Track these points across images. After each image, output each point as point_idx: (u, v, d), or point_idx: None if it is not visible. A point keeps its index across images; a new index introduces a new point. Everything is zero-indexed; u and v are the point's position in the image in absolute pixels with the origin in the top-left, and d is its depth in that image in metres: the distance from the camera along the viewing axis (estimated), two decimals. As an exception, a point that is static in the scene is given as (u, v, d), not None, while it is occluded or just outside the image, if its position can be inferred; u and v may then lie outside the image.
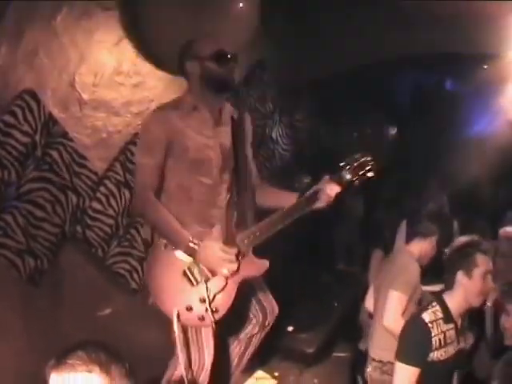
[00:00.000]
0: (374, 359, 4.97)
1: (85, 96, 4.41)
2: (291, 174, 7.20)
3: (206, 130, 3.92)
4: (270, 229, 3.88)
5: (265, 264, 3.91)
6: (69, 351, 2.20)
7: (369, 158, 4.04)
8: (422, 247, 5.11)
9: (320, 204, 3.97)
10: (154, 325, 3.91)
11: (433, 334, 3.68)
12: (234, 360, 4.44)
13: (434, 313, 3.76)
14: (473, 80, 8.32)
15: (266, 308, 4.32)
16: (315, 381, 5.88)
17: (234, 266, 3.76)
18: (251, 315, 4.30)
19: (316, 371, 6.05)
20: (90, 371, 2.17)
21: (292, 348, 6.25)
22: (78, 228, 4.58)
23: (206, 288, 3.75)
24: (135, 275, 5.05)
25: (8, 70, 3.95)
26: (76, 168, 4.49)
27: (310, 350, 6.20)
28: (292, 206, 3.93)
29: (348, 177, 3.99)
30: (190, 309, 3.73)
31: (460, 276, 3.77)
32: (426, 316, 3.74)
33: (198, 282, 3.75)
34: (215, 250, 3.72)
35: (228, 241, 3.83)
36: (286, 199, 4.06)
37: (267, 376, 5.74)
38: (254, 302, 4.26)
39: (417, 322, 3.83)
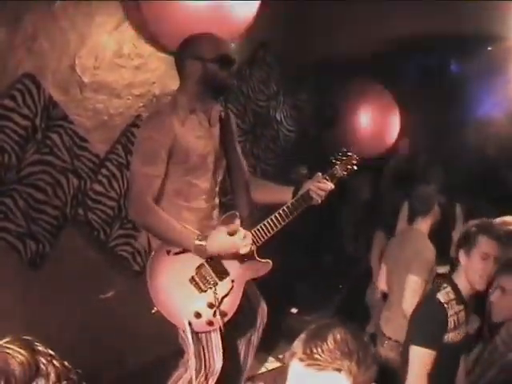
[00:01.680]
0: (390, 338, 4.94)
1: (85, 79, 4.46)
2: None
3: (202, 132, 3.93)
4: (270, 230, 3.94)
5: (268, 264, 3.96)
6: (319, 339, 2.03)
7: (353, 152, 4.26)
8: (427, 223, 5.16)
9: (315, 201, 4.09)
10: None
11: (449, 315, 3.71)
12: (241, 361, 4.49)
13: (447, 294, 3.78)
14: (477, 62, 8.30)
15: (258, 311, 4.39)
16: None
17: (249, 242, 3.79)
18: (246, 320, 4.36)
19: (321, 354, 6.12)
20: (339, 370, 1.99)
21: (297, 330, 6.31)
22: (80, 210, 4.64)
23: (215, 292, 3.81)
24: (138, 257, 5.12)
25: (7, 55, 4.00)
26: (77, 150, 4.53)
27: (314, 333, 6.28)
28: (289, 206, 4.00)
29: (339, 172, 4.18)
30: (198, 315, 3.78)
31: (461, 255, 3.80)
32: (441, 296, 3.76)
33: (207, 286, 3.80)
34: (223, 236, 3.74)
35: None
36: (282, 194, 4.15)
37: (272, 359, 5.86)
38: (247, 303, 4.28)
39: (432, 303, 3.81)
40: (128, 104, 4.86)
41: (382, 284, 5.59)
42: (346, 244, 8.19)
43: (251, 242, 3.81)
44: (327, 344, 2.00)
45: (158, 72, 5.04)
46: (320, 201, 4.09)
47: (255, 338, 4.45)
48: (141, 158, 3.76)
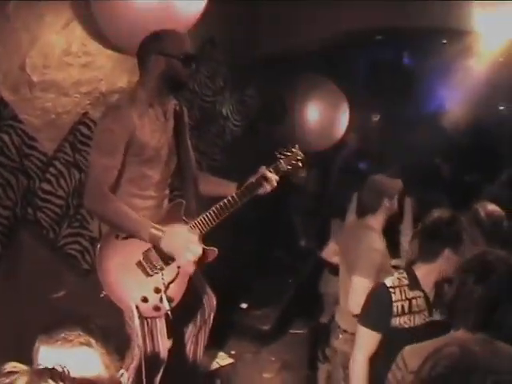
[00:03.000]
0: (346, 331, 4.90)
1: (35, 78, 4.47)
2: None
3: (158, 125, 4.05)
4: (217, 217, 4.06)
5: (214, 251, 4.07)
6: (60, 323, 2.14)
7: (298, 149, 4.43)
8: (378, 219, 5.07)
9: (262, 191, 4.25)
10: (109, 305, 3.99)
11: (394, 299, 3.78)
12: (190, 355, 4.60)
13: (398, 279, 3.87)
14: (431, 55, 8.43)
15: (203, 302, 4.51)
16: (272, 358, 6.04)
17: (199, 251, 3.89)
18: (194, 308, 4.48)
19: (273, 349, 6.24)
20: (87, 344, 2.11)
21: (248, 325, 6.44)
22: (30, 210, 4.64)
23: (162, 277, 3.91)
24: (87, 256, 5.12)
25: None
26: (26, 150, 4.53)
27: (266, 327, 6.41)
28: (234, 196, 4.14)
29: (283, 166, 4.34)
30: (145, 300, 3.87)
31: (447, 252, 3.85)
32: (389, 281, 3.86)
33: (154, 271, 3.90)
34: (181, 235, 3.88)
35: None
36: (227, 188, 4.28)
37: (224, 355, 5.92)
38: (193, 296, 4.37)
39: (379, 287, 3.93)
40: (75, 102, 4.86)
41: (327, 255, 5.65)
42: (296, 237, 8.29)
43: (200, 253, 3.90)
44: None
45: (104, 69, 5.07)
46: (267, 191, 4.25)
47: (204, 329, 4.57)
48: (99, 149, 3.90)
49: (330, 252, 5.57)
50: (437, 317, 3.98)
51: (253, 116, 7.66)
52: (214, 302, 4.57)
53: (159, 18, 4.38)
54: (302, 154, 4.43)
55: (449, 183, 8.64)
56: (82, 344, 2.12)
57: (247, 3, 6.33)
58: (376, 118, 10.00)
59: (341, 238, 5.51)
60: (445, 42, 7.90)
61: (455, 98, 9.06)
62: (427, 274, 3.91)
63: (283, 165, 4.34)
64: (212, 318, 4.58)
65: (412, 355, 3.23)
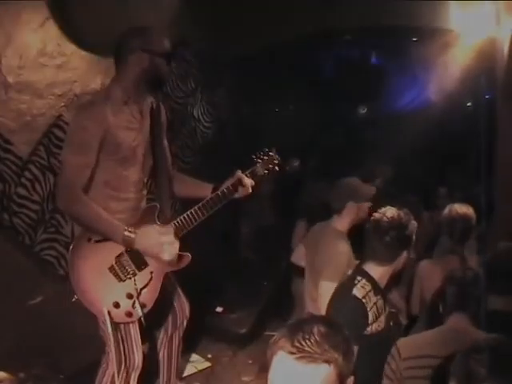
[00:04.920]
0: None
1: (10, 79, 4.44)
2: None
3: (134, 124, 4.00)
4: (192, 221, 4.05)
5: (188, 257, 4.04)
6: (306, 332, 2.11)
7: (275, 153, 4.40)
8: (344, 221, 5.09)
9: (238, 195, 4.26)
10: (85, 311, 3.98)
11: (368, 309, 3.76)
12: (164, 361, 4.60)
13: (363, 287, 3.82)
14: (401, 53, 8.49)
15: (175, 308, 4.50)
16: (250, 361, 6.03)
17: (176, 248, 3.89)
18: (166, 316, 4.48)
19: (250, 351, 6.24)
20: (328, 361, 2.08)
21: (224, 329, 6.44)
22: (5, 215, 4.61)
23: (135, 282, 3.88)
24: (63, 261, 5.08)
25: None
26: (1, 153, 4.51)
27: (242, 331, 6.43)
28: (209, 201, 4.12)
29: (260, 171, 4.33)
30: (117, 305, 3.84)
31: (405, 254, 3.92)
32: (357, 292, 3.79)
33: (126, 276, 3.87)
34: (154, 235, 3.84)
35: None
36: (202, 190, 4.28)
37: (202, 359, 5.91)
38: (166, 302, 4.40)
39: (349, 300, 3.81)
40: (50, 104, 4.83)
41: (296, 259, 5.71)
42: (262, 240, 8.31)
43: (177, 251, 3.90)
44: (315, 337, 2.10)
45: (79, 71, 5.03)
46: (243, 195, 4.27)
47: (177, 335, 4.57)
48: (72, 147, 3.81)
49: (300, 256, 5.60)
50: (387, 309, 4.07)
51: (223, 118, 7.65)
52: (187, 309, 4.56)
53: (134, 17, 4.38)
54: (278, 158, 4.42)
55: (419, 183, 8.72)
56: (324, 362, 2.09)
57: (217, 4, 6.33)
58: (363, 110, 10.05)
59: (307, 240, 5.52)
60: (415, 39, 7.96)
61: (425, 96, 9.14)
62: (383, 274, 3.94)
63: (260, 169, 4.33)
64: (185, 324, 4.57)
65: (406, 345, 3.47)
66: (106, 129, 3.78)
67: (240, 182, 4.23)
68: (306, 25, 6.86)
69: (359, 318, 3.74)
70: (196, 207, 4.07)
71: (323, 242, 5.05)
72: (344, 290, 3.97)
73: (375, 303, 3.83)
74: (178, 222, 4.02)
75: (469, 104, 10.03)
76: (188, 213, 4.05)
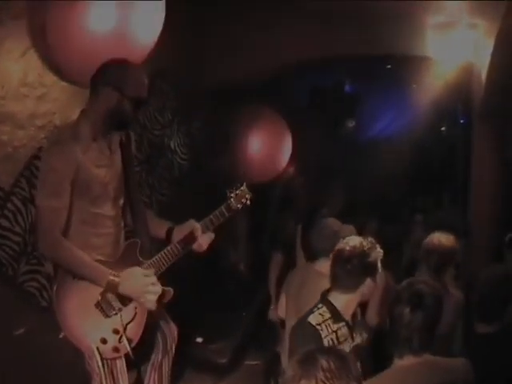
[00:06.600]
0: None
1: (-8, 109, 4.45)
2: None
3: (103, 160, 4.00)
4: (166, 262, 4.11)
5: (170, 291, 4.09)
6: (320, 365, 2.15)
7: (246, 187, 4.39)
8: (326, 266, 4.65)
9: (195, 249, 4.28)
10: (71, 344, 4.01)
11: (323, 336, 3.82)
12: None
13: (320, 314, 3.92)
14: (375, 80, 8.61)
15: (165, 333, 4.50)
16: (230, 391, 6.05)
17: (159, 289, 3.92)
18: (155, 342, 4.48)
19: (230, 381, 6.30)
20: None
21: (204, 359, 6.46)
22: (-12, 247, 4.60)
23: (121, 317, 3.91)
24: (44, 293, 5.08)
25: None
26: (-17, 185, 4.50)
27: (222, 361, 6.46)
28: (169, 250, 4.13)
29: (234, 205, 4.29)
30: (104, 341, 3.87)
31: (368, 282, 3.99)
32: (313, 319, 3.90)
33: (112, 312, 3.90)
34: (138, 277, 3.88)
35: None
36: (158, 229, 4.34)
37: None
38: (155, 328, 4.42)
39: (304, 327, 3.92)
40: (31, 135, 4.84)
41: (281, 312, 5.57)
42: (240, 271, 8.35)
43: (160, 291, 3.93)
44: (333, 372, 2.16)
45: (59, 102, 5.04)
46: (199, 250, 4.29)
47: (167, 360, 4.56)
48: (45, 190, 3.80)
49: (284, 309, 5.48)
50: (358, 340, 4.13)
51: (198, 149, 7.71)
52: (176, 332, 4.56)
53: (114, 47, 4.32)
54: (249, 192, 4.38)
55: (394, 206, 8.81)
56: None
57: (195, 35, 6.40)
58: (352, 124, 10.08)
59: (290, 283, 5.50)
60: (389, 67, 8.08)
61: (399, 121, 9.26)
62: (348, 303, 4.02)
63: (234, 203, 4.28)
64: (174, 348, 4.57)
65: None
66: (76, 168, 3.77)
67: (193, 239, 4.23)
68: (280, 53, 6.94)
69: (312, 345, 3.66)
70: (164, 251, 4.11)
71: (309, 287, 5.00)
72: (303, 317, 4.05)
73: (335, 331, 3.90)
74: (157, 259, 4.07)
75: (443, 128, 10.19)
76: (165, 250, 4.10)
